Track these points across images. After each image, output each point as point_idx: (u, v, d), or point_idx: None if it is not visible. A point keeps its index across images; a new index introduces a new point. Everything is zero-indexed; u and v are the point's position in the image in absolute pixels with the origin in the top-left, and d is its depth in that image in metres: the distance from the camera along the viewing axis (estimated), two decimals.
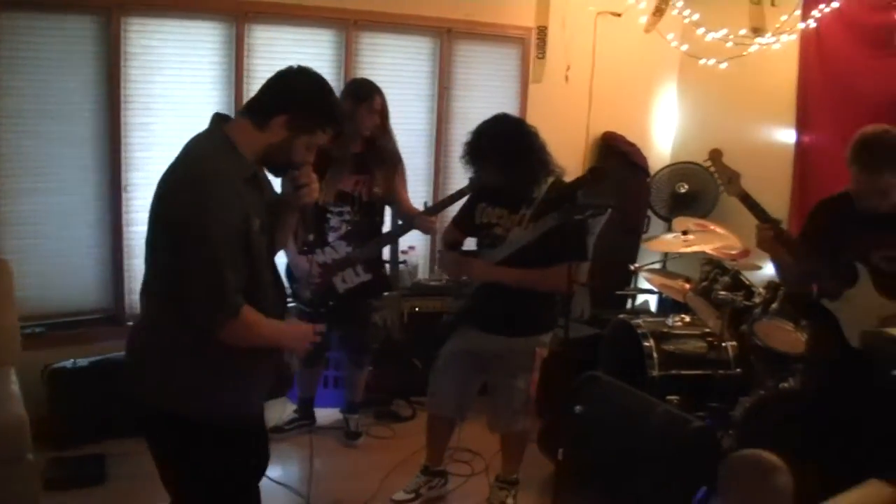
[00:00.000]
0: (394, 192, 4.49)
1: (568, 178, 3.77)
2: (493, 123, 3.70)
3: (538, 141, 3.70)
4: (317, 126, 2.45)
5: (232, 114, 4.82)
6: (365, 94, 4.31)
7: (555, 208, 3.47)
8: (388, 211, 4.70)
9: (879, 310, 3.08)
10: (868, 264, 3.13)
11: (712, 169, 3.53)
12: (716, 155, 3.50)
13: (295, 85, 2.47)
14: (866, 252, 3.15)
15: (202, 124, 4.75)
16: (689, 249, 4.93)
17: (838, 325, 3.23)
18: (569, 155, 6.13)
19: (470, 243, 4.12)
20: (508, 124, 3.74)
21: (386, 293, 4.77)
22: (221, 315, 2.30)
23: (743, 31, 5.39)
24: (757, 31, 5.29)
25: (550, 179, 3.70)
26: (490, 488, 4.08)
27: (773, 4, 5.46)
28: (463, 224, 4.02)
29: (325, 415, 4.97)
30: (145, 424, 2.63)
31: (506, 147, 3.60)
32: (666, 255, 6.23)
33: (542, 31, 5.61)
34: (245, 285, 2.36)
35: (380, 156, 4.41)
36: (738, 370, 4.66)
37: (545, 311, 3.87)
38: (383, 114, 4.42)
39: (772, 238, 3.25)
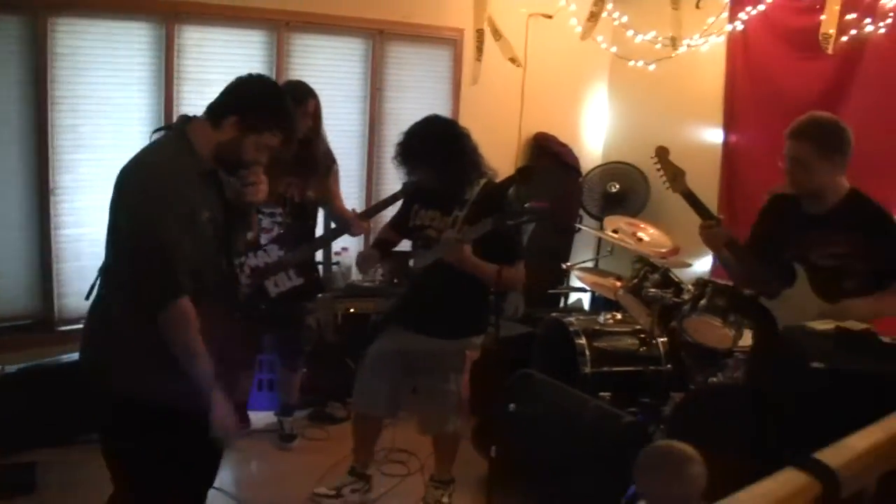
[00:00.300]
0: (327, 194, 4.48)
1: (499, 179, 3.81)
2: (424, 125, 3.71)
3: (470, 142, 3.72)
4: (264, 127, 2.61)
5: (162, 116, 4.82)
6: (299, 97, 4.30)
7: (487, 210, 3.49)
8: (321, 213, 4.68)
9: (813, 309, 3.15)
10: (806, 264, 3.20)
11: (658, 166, 3.60)
12: (662, 152, 3.57)
13: (247, 88, 2.67)
14: (806, 252, 3.23)
15: (132, 126, 4.72)
16: (630, 244, 5.00)
17: (776, 324, 3.31)
18: (501, 156, 6.17)
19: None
20: (440, 126, 3.75)
21: (319, 295, 4.75)
22: (166, 293, 2.45)
23: (671, 34, 5.48)
24: (675, 39, 5.38)
25: (482, 181, 3.72)
26: (425, 488, 4.09)
27: (697, 7, 5.56)
28: (398, 226, 4.04)
29: (260, 418, 4.94)
30: (101, 412, 2.73)
31: (437, 149, 3.61)
32: (598, 253, 6.32)
33: (480, 34, 5.64)
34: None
35: (313, 158, 4.39)
36: (669, 366, 4.73)
37: (476, 313, 3.90)
38: (316, 116, 4.41)
39: (721, 237, 3.33)
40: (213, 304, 2.61)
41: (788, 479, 1.68)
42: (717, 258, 3.49)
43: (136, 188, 2.51)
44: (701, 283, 4.50)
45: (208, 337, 2.57)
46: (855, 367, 3.36)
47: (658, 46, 5.55)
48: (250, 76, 2.71)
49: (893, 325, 4.21)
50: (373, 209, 4.56)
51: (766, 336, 3.41)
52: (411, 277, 3.76)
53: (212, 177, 2.66)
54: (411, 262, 3.77)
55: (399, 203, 4.08)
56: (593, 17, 5.52)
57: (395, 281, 3.88)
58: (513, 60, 5.80)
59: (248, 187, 2.71)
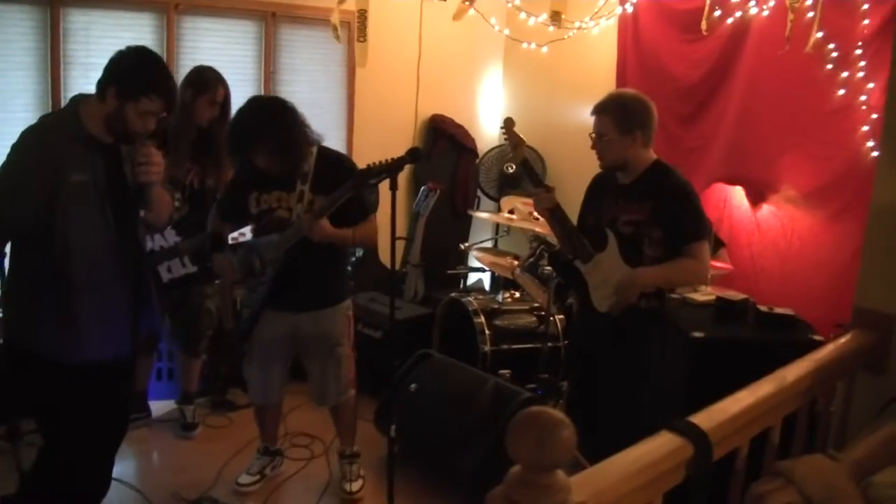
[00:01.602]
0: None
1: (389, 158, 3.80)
2: (251, 108, 3.62)
3: (298, 114, 3.66)
4: (141, 93, 2.72)
5: (50, 101, 4.70)
6: (205, 86, 4.24)
7: (335, 177, 3.48)
8: None
9: (618, 274, 3.32)
10: (614, 230, 3.36)
11: (504, 135, 3.71)
12: (509, 123, 3.68)
13: (123, 59, 2.79)
14: (613, 219, 3.39)
15: (17, 112, 4.58)
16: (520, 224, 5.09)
17: (587, 288, 3.47)
18: (397, 138, 6.22)
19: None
20: (267, 104, 3.72)
21: (217, 281, 4.70)
22: None
23: (563, 16, 5.55)
24: (556, 15, 5.44)
25: (314, 150, 3.69)
26: (340, 466, 4.13)
27: None
28: (233, 215, 3.86)
29: (160, 407, 4.87)
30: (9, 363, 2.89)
31: (273, 127, 3.54)
32: (496, 233, 6.40)
33: (363, 15, 5.61)
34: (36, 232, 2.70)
35: (216, 146, 4.33)
36: (566, 342, 4.85)
37: (343, 281, 3.96)
38: (225, 105, 4.36)
39: (547, 202, 3.45)
40: (102, 258, 2.80)
41: (662, 442, 1.77)
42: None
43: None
44: (537, 239, 4.69)
45: (93, 290, 2.80)
46: (732, 335, 3.54)
47: (551, 29, 5.62)
48: (128, 48, 2.81)
49: (771, 293, 4.44)
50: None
51: (581, 299, 3.57)
52: (273, 262, 3.69)
53: (100, 146, 2.79)
54: (267, 250, 3.68)
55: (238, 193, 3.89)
56: None
57: (257, 272, 3.78)
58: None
59: (140, 167, 2.77)
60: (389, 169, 3.21)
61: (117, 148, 2.84)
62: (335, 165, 3.65)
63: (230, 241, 3.93)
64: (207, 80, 4.28)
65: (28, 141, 2.75)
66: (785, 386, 2.30)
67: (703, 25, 4.80)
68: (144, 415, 4.74)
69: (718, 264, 4.53)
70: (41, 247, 2.73)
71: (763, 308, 3.65)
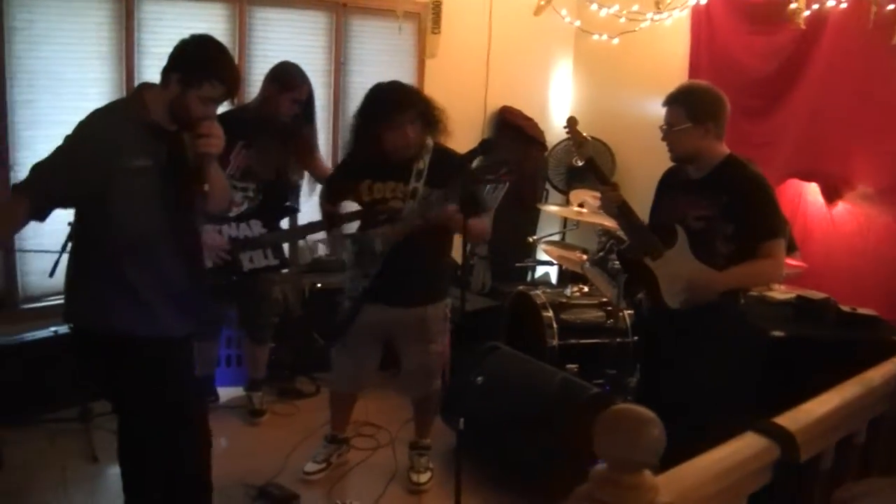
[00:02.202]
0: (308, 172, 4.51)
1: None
2: (389, 84, 3.65)
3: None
4: (203, 79, 2.73)
5: (123, 90, 4.77)
6: (290, 83, 4.27)
7: (447, 174, 3.46)
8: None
9: (689, 270, 3.25)
10: (684, 226, 3.29)
11: (568, 134, 3.68)
12: (572, 122, 3.66)
13: (186, 46, 2.81)
14: (683, 214, 3.31)
15: (90, 101, 4.65)
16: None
17: (658, 285, 3.40)
18: (466, 130, 6.18)
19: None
20: (407, 84, 3.74)
21: (285, 270, 4.73)
22: (21, 183, 2.74)
23: (636, 7, 5.47)
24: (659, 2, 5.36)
25: (430, 145, 3.68)
26: (410, 456, 4.14)
27: None
28: (341, 198, 3.90)
29: (228, 393, 4.93)
30: (78, 347, 2.98)
31: (420, 98, 3.60)
32: (564, 227, 6.34)
33: (437, 6, 5.60)
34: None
35: (301, 141, 4.36)
36: (635, 338, 4.77)
37: (444, 277, 3.92)
38: (308, 103, 4.39)
39: (615, 200, 3.41)
40: (156, 245, 2.81)
41: (748, 444, 1.72)
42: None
43: None
44: (606, 234, 4.64)
45: (153, 273, 2.81)
46: (814, 335, 3.45)
47: (622, 20, 5.54)
48: (192, 36, 2.83)
49: (846, 292, 4.32)
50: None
51: (651, 295, 3.49)
52: (381, 255, 3.71)
53: (163, 133, 2.81)
54: (377, 242, 3.70)
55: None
56: None
57: (365, 263, 3.78)
58: None
59: (200, 139, 2.78)
60: (496, 166, 3.23)
61: (180, 135, 2.86)
62: (448, 160, 3.62)
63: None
64: (293, 78, 4.30)
65: (92, 122, 2.80)
66: (872, 388, 2.23)
67: (789, 16, 4.67)
68: (212, 399, 4.79)
69: (793, 262, 4.43)
70: (102, 229, 2.77)
71: (846, 308, 3.56)
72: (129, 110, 2.85)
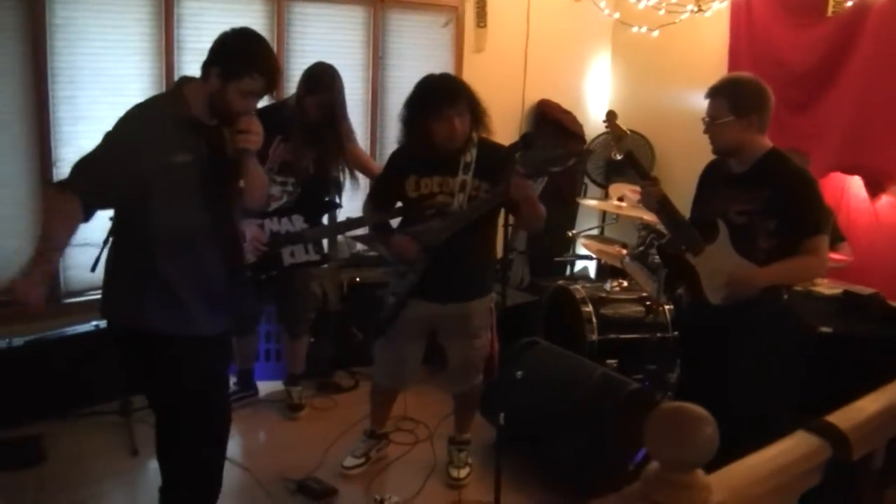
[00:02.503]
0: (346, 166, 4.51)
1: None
2: (439, 76, 3.63)
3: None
4: (243, 72, 2.71)
5: (163, 86, 4.80)
6: (315, 88, 4.23)
7: (495, 167, 3.44)
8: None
9: (730, 264, 3.20)
10: (726, 220, 3.24)
11: (607, 128, 3.65)
12: (612, 116, 3.63)
13: (225, 39, 2.79)
14: (725, 209, 3.26)
15: (131, 96, 4.69)
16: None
17: (699, 280, 3.35)
18: (504, 123, 6.13)
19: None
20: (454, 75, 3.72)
21: (325, 265, 4.74)
22: (65, 181, 2.73)
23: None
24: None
25: (476, 139, 3.65)
26: (449, 451, 4.14)
27: None
28: (388, 202, 3.85)
29: (267, 387, 4.95)
30: (119, 342, 2.95)
31: (469, 91, 3.55)
32: (603, 221, 6.30)
33: (482, 1, 5.58)
34: (139, 211, 2.71)
35: (335, 136, 4.35)
36: (675, 333, 4.73)
37: (489, 272, 3.89)
38: (335, 104, 4.32)
39: (655, 195, 3.37)
40: (199, 236, 2.80)
41: (799, 443, 1.68)
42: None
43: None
44: (646, 228, 4.60)
45: (192, 270, 2.81)
46: (861, 331, 3.39)
47: (661, 13, 5.49)
48: (231, 30, 2.82)
49: (891, 287, 4.25)
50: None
51: (691, 290, 3.44)
52: (429, 251, 3.68)
53: (203, 128, 2.80)
54: (427, 236, 3.67)
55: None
56: None
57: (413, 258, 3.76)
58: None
59: (239, 135, 2.79)
60: (560, 157, 3.22)
61: (220, 130, 2.85)
62: (495, 153, 3.59)
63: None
64: (318, 83, 4.25)
65: (133, 118, 2.78)
66: None
67: (834, 8, 4.60)
68: (252, 392, 4.82)
69: (837, 256, 4.36)
70: (141, 226, 2.74)
71: (895, 304, 3.50)
72: (169, 105, 2.83)
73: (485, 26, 5.66)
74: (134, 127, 2.75)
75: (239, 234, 3.08)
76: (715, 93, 3.23)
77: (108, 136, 2.75)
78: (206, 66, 2.77)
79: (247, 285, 3.20)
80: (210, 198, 2.81)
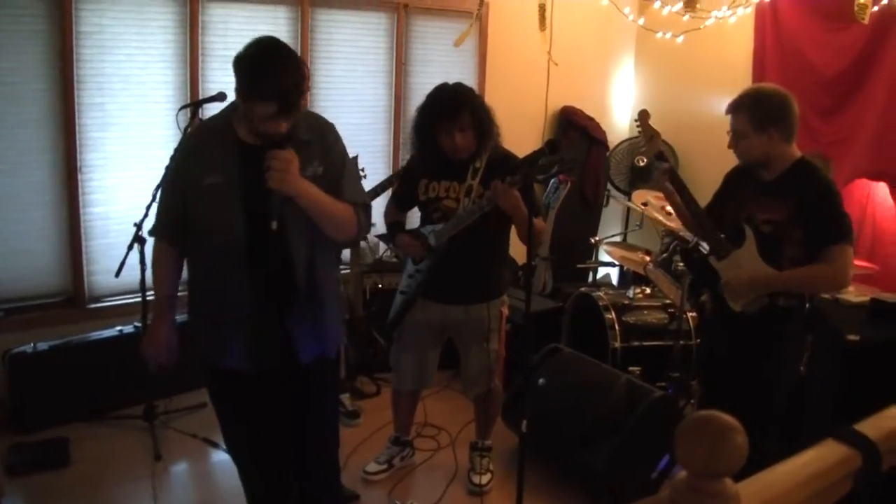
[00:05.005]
0: None
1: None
2: (452, 86, 3.64)
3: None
4: (250, 101, 2.51)
5: (188, 93, 4.82)
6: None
7: (506, 173, 3.41)
8: None
9: (755, 271, 3.18)
10: (753, 227, 3.22)
11: (638, 127, 3.64)
12: (644, 115, 3.61)
13: (237, 59, 2.53)
14: (752, 216, 3.24)
15: (157, 103, 4.71)
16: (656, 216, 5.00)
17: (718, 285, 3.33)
18: (528, 129, 6.18)
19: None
20: (469, 88, 3.70)
21: (347, 270, 4.73)
22: (150, 229, 2.83)
23: (700, 5, 5.38)
24: (691, 2, 5.25)
25: (490, 146, 3.66)
26: (471, 457, 4.13)
27: None
28: (404, 203, 3.94)
29: None
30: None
31: (478, 102, 3.58)
32: (626, 227, 6.27)
33: (542, 7, 5.56)
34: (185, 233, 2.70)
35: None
36: (699, 340, 4.71)
37: (501, 276, 3.88)
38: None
39: (666, 172, 3.39)
40: (227, 262, 2.65)
41: (828, 452, 1.66)
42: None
43: None
44: (670, 235, 4.58)
45: (220, 291, 2.71)
46: (890, 339, 3.36)
47: (686, 18, 5.47)
48: (246, 46, 2.54)
49: None
50: (378, 188, 4.54)
51: (715, 296, 3.42)
52: (436, 251, 3.71)
53: (246, 148, 2.62)
54: (431, 237, 3.71)
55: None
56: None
57: (420, 259, 3.78)
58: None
59: (265, 172, 2.50)
60: (562, 162, 3.20)
61: (262, 150, 2.57)
62: (505, 162, 3.59)
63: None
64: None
65: (180, 145, 2.83)
66: None
67: (861, 15, 4.55)
68: None
69: (862, 263, 4.32)
70: (187, 249, 2.77)
71: None
72: (216, 128, 2.72)
73: (545, 29, 5.64)
74: (182, 148, 2.79)
75: (295, 257, 2.72)
76: (736, 108, 3.22)
77: (166, 168, 2.86)
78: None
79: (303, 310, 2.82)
80: (239, 218, 2.62)
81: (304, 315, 2.75)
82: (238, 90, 2.53)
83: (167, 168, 2.84)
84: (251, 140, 2.62)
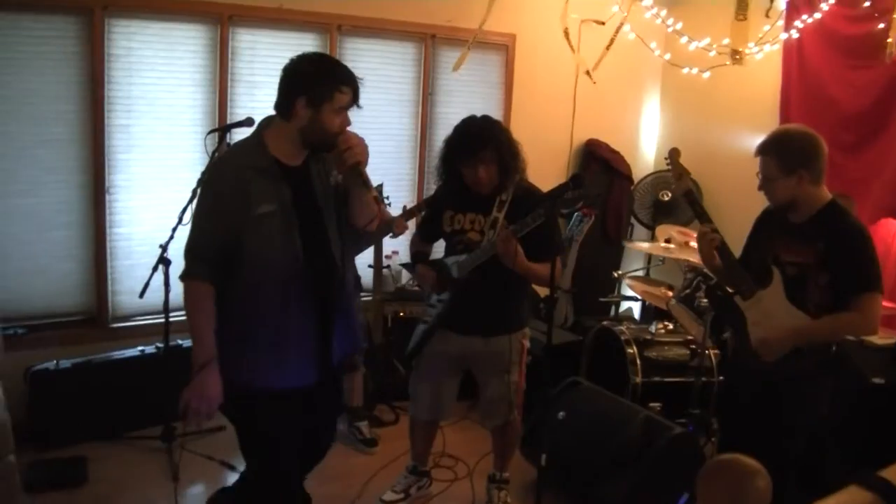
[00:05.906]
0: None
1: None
2: (481, 119, 3.65)
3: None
4: (333, 90, 2.70)
5: (216, 117, 4.87)
6: None
7: (526, 209, 3.44)
8: None
9: (781, 312, 3.16)
10: (780, 268, 3.21)
11: (668, 165, 3.63)
12: (674, 154, 3.61)
13: (296, 68, 2.75)
14: (778, 256, 3.23)
15: (185, 127, 4.77)
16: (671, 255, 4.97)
17: (745, 324, 3.30)
18: (552, 162, 6.19)
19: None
20: (496, 121, 3.71)
21: (367, 298, 4.72)
22: (186, 269, 2.76)
23: (726, 41, 5.39)
24: (736, 53, 5.25)
25: (517, 178, 3.66)
26: (488, 489, 4.11)
27: (767, 16, 5.46)
28: (430, 234, 3.97)
29: None
30: None
31: (505, 137, 3.58)
32: (649, 262, 6.25)
33: (567, 34, 5.60)
34: (236, 264, 2.72)
35: None
36: (720, 377, 4.67)
37: (522, 308, 3.87)
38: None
39: (714, 242, 3.33)
40: (290, 286, 2.78)
41: (852, 498, 1.64)
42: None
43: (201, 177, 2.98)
44: (693, 270, 4.56)
45: (282, 324, 2.80)
46: None
47: (712, 54, 5.47)
48: (291, 61, 2.77)
49: None
50: (415, 209, 4.52)
51: (738, 335, 3.39)
52: (458, 283, 3.71)
53: (287, 171, 2.79)
54: (453, 268, 3.71)
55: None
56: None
57: (441, 290, 3.78)
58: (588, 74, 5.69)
59: (346, 152, 2.75)
60: (583, 197, 3.21)
61: (307, 169, 2.85)
62: (530, 197, 3.60)
63: None
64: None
65: (216, 177, 2.83)
66: None
67: (890, 55, 4.54)
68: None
69: (888, 304, 4.27)
70: (230, 277, 2.75)
71: None
72: (248, 154, 2.80)
73: (576, 52, 5.69)
74: (220, 186, 2.76)
75: (339, 272, 2.95)
76: (763, 151, 3.21)
77: (198, 205, 2.80)
78: (287, 102, 2.74)
79: (349, 326, 3.09)
80: (295, 240, 2.79)
81: (342, 308, 2.98)
82: (312, 91, 2.69)
83: (201, 199, 2.81)
84: (292, 160, 2.81)
